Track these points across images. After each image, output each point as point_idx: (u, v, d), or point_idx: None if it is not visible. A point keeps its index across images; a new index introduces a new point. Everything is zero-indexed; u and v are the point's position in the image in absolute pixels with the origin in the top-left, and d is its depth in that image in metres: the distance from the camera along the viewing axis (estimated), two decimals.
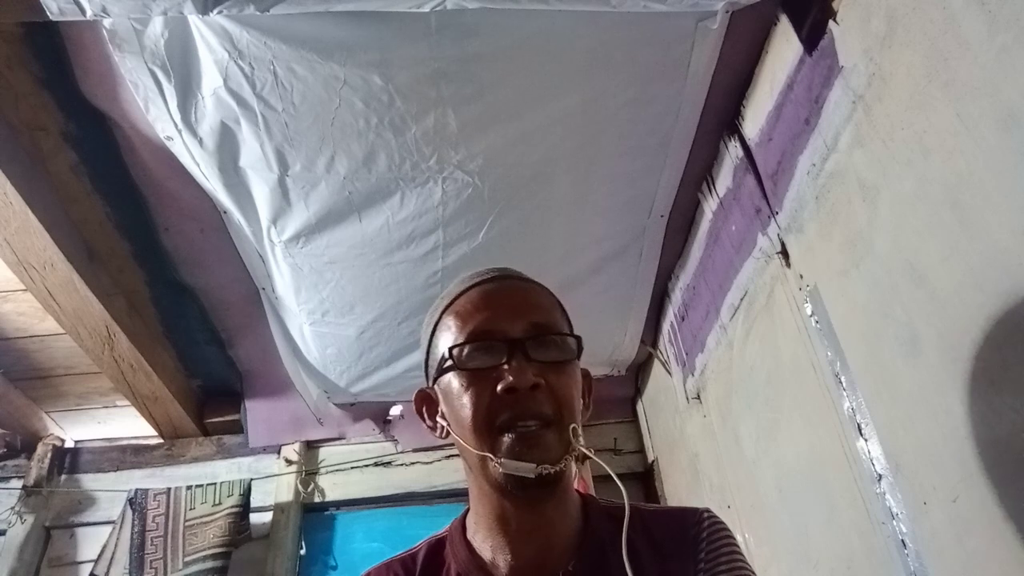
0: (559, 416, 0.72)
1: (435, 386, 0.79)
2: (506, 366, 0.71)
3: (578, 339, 0.79)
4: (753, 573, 0.76)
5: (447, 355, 0.75)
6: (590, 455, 0.73)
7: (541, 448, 0.70)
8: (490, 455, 0.70)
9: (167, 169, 1.59)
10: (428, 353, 0.81)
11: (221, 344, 2.26)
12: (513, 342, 0.73)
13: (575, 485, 2.29)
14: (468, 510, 0.81)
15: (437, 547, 0.81)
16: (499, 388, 0.70)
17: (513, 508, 0.74)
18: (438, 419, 0.78)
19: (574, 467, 2.32)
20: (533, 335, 0.74)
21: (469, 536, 0.78)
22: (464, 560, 0.76)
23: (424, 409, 0.81)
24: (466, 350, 0.74)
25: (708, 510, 0.81)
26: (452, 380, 0.75)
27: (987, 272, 0.88)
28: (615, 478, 0.73)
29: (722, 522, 0.80)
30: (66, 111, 1.49)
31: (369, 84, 1.40)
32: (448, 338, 0.76)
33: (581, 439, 0.73)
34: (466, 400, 0.72)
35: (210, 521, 2.32)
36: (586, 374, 0.83)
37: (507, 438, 0.70)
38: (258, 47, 1.32)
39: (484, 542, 0.76)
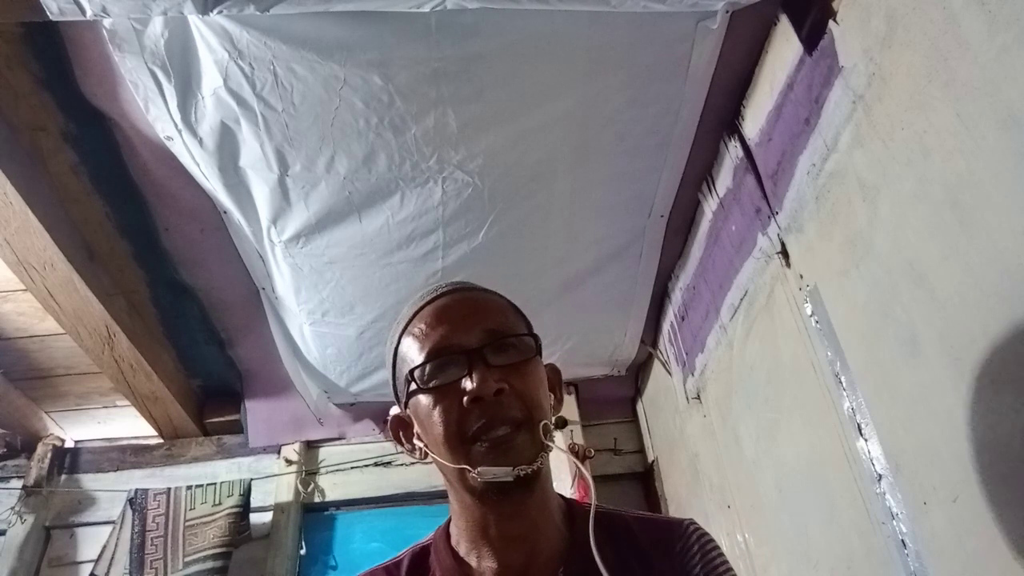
0: (528, 417, 0.72)
1: (406, 409, 0.79)
2: (468, 377, 0.72)
3: (535, 337, 0.79)
4: None
5: (410, 378, 0.76)
6: (562, 449, 0.74)
7: (515, 451, 0.71)
8: (467, 467, 0.71)
9: (167, 169, 1.59)
10: (394, 378, 0.82)
11: (221, 344, 2.26)
12: (471, 352, 0.73)
13: (575, 487, 2.27)
14: (450, 520, 0.81)
15: (421, 555, 0.81)
16: (464, 400, 0.71)
17: (496, 516, 0.74)
18: (415, 441, 0.79)
19: (573, 469, 2.32)
20: (489, 341, 0.74)
21: (453, 544, 0.79)
22: (449, 568, 0.76)
23: (400, 434, 0.82)
24: (427, 369, 0.74)
25: (693, 521, 0.83)
26: (420, 400, 0.75)
27: (987, 272, 0.88)
28: (584, 471, 0.74)
29: (710, 536, 0.81)
30: (66, 111, 1.49)
31: (369, 84, 1.40)
32: (408, 361, 0.77)
33: (553, 434, 0.74)
34: (435, 418, 0.73)
35: (210, 521, 2.32)
36: (553, 368, 0.84)
37: (480, 447, 0.71)
38: (258, 47, 1.32)
39: (469, 552, 0.76)
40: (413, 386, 0.76)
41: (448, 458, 0.72)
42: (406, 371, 0.77)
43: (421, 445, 0.78)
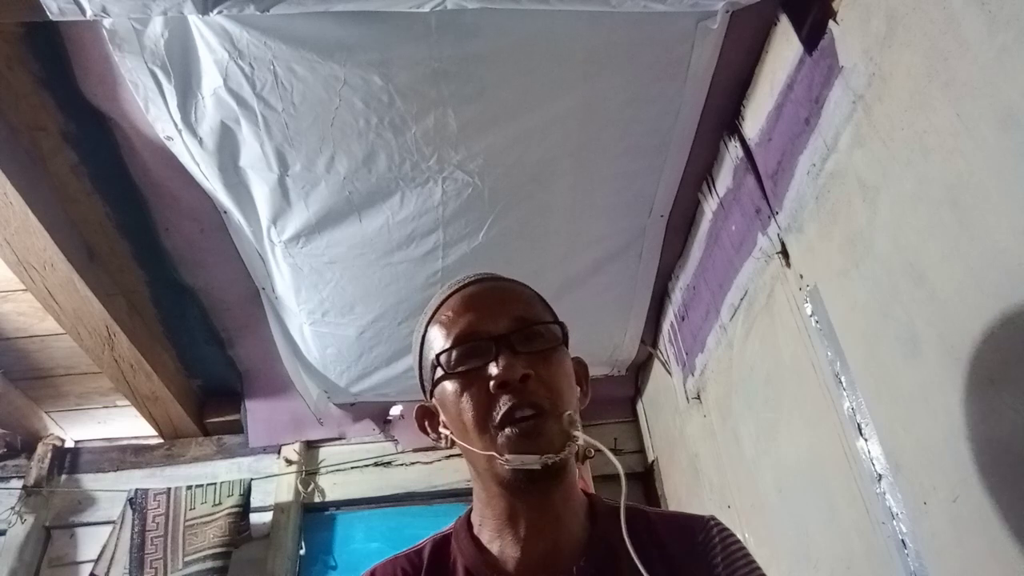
0: (554, 404, 0.72)
1: (432, 398, 0.80)
2: (494, 363, 0.72)
3: (562, 325, 0.80)
4: None
5: (436, 363, 0.76)
6: (590, 440, 0.74)
7: (543, 439, 0.70)
8: (495, 454, 0.71)
9: (167, 169, 1.59)
10: (420, 368, 0.82)
11: (221, 344, 2.26)
12: (498, 338, 0.74)
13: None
14: (471, 509, 0.81)
15: (442, 543, 0.81)
16: (491, 385, 0.71)
17: (523, 505, 0.74)
18: (441, 429, 0.79)
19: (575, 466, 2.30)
20: (517, 328, 0.75)
21: (476, 533, 0.79)
22: (472, 556, 0.76)
23: (426, 423, 0.82)
24: (454, 355, 0.75)
25: (714, 517, 0.82)
26: (446, 387, 0.76)
27: (987, 272, 0.88)
28: (617, 464, 0.73)
29: (731, 530, 0.81)
30: (66, 111, 1.49)
31: (369, 84, 1.40)
32: (436, 348, 0.77)
33: (579, 425, 0.73)
34: (463, 403, 0.73)
35: (210, 521, 2.32)
36: (579, 362, 0.84)
37: (508, 434, 0.71)
38: (258, 47, 1.32)
39: (492, 540, 0.76)
40: (439, 372, 0.76)
41: (476, 444, 0.73)
42: (432, 357, 0.77)
43: (447, 433, 0.78)
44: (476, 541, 0.77)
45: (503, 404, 0.71)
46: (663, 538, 0.78)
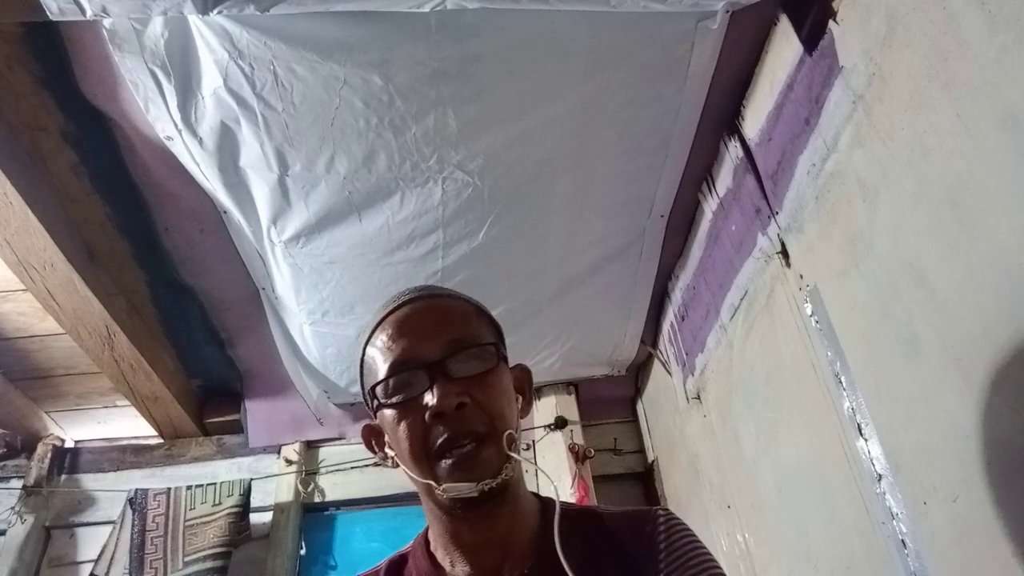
0: (492, 429, 0.72)
1: (377, 419, 0.80)
2: (429, 391, 0.71)
3: (498, 346, 0.79)
4: (718, 564, 0.76)
5: (372, 394, 0.76)
6: (525, 460, 0.75)
7: (480, 467, 0.71)
8: (433, 483, 0.71)
9: (167, 169, 1.59)
10: (363, 390, 0.81)
11: (221, 344, 2.26)
12: (432, 365, 0.73)
13: (575, 487, 2.26)
14: (428, 527, 0.82)
15: (399, 563, 0.82)
16: (427, 416, 0.71)
17: (466, 527, 0.75)
18: (387, 450, 0.79)
19: (574, 468, 2.31)
20: (451, 353, 0.74)
21: (432, 549, 0.80)
22: (425, 572, 0.78)
23: (373, 443, 0.82)
24: (390, 385, 0.74)
25: (664, 509, 0.82)
26: (385, 414, 0.75)
27: (987, 272, 0.89)
28: (546, 474, 0.76)
29: (678, 519, 0.80)
30: (66, 111, 1.49)
31: (369, 84, 1.40)
32: (372, 375, 0.77)
33: (518, 444, 0.73)
34: (400, 433, 0.73)
35: (210, 521, 2.32)
36: (522, 368, 0.83)
37: (445, 463, 0.71)
38: (258, 47, 1.32)
39: (444, 557, 0.78)
40: (378, 401, 0.76)
41: (415, 472, 0.73)
42: (370, 385, 0.77)
43: (392, 454, 0.78)
44: (432, 558, 0.78)
45: (440, 434, 0.71)
46: (614, 534, 0.78)
